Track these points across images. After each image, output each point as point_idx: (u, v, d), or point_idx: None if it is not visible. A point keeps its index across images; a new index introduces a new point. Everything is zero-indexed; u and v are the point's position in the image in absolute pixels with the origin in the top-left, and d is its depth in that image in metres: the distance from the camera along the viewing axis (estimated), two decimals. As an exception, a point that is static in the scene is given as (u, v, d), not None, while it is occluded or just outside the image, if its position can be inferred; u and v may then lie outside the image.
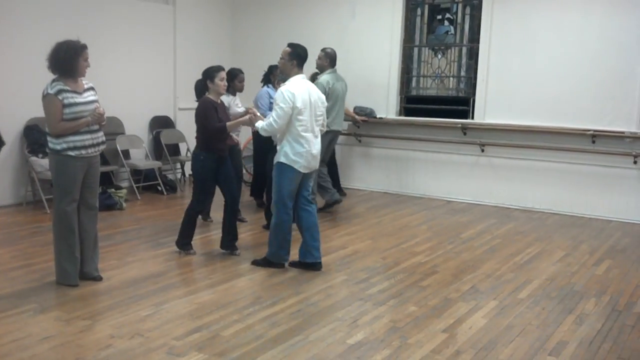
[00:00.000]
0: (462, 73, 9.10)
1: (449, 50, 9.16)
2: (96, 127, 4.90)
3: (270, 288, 5.12)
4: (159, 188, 8.89)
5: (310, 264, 5.60)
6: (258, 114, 5.85)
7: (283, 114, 5.30)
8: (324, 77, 7.63)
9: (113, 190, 7.91)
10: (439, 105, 9.16)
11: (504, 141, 8.58)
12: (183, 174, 9.86)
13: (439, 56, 9.22)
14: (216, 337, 4.11)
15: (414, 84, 9.46)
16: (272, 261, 5.61)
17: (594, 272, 5.84)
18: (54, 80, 4.79)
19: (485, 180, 8.76)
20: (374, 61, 9.34)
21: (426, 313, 4.67)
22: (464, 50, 9.04)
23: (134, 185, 8.63)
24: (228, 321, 4.37)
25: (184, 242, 5.94)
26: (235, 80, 7.09)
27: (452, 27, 9.14)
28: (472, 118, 8.84)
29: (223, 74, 5.78)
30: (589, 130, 7.99)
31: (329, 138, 7.61)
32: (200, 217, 6.70)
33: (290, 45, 5.57)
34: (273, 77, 7.57)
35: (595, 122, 8.01)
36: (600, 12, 7.95)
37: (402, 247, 6.45)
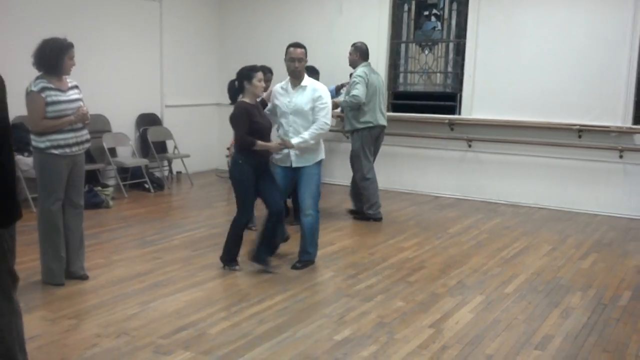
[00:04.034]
0: (449, 69, 9.11)
1: (436, 46, 9.17)
2: (80, 125, 4.87)
3: (257, 285, 5.11)
4: (146, 186, 8.84)
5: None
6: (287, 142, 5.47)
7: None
8: (361, 69, 7.36)
9: (99, 188, 7.87)
10: (426, 101, 9.18)
11: (491, 136, 8.60)
12: (170, 171, 9.81)
13: (426, 52, 9.23)
14: (203, 335, 4.10)
15: (401, 79, 9.47)
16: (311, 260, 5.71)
17: (580, 266, 5.88)
18: (37, 78, 4.75)
19: (472, 175, 8.79)
20: (361, 57, 9.32)
21: (413, 308, 4.68)
22: (451, 46, 9.05)
23: (121, 183, 8.58)
24: (215, 319, 4.36)
25: (229, 259, 5.47)
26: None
27: (439, 23, 9.14)
28: (459, 114, 8.86)
29: (261, 75, 5.29)
30: (575, 125, 8.03)
31: (376, 133, 7.48)
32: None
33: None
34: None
35: (581, 117, 8.05)
36: (586, 7, 7.99)
37: (390, 243, 6.46)
